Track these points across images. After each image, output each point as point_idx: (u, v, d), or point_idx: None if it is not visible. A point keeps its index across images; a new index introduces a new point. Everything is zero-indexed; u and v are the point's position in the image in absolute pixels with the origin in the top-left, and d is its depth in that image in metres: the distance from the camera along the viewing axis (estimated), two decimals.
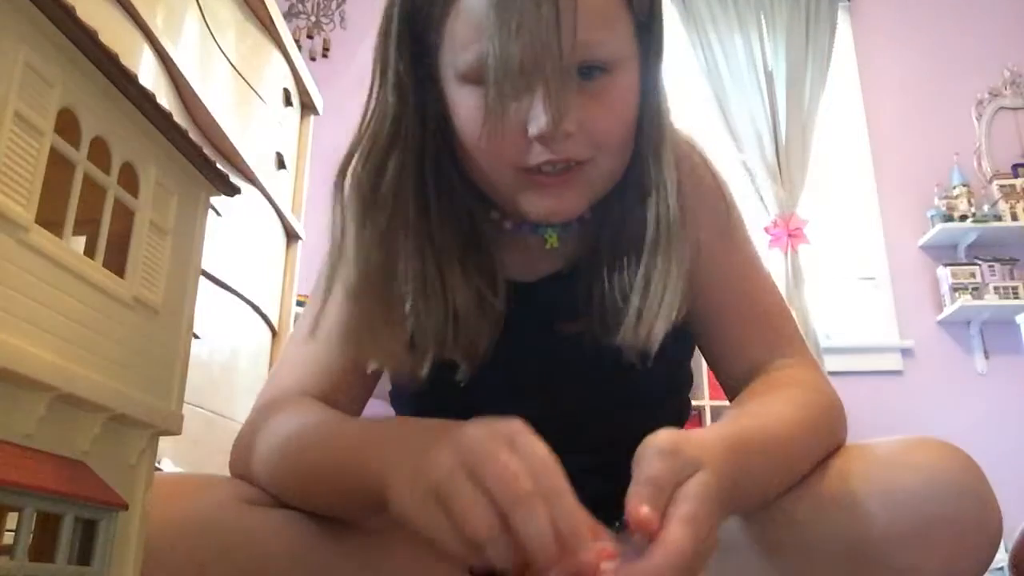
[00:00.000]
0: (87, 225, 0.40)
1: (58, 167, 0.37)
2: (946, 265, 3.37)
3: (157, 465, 0.62)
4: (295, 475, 0.63)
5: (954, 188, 3.45)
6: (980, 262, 3.36)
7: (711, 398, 2.82)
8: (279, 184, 1.81)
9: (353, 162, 0.71)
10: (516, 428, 0.48)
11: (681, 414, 0.87)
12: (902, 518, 0.58)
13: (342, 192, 0.71)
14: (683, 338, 0.78)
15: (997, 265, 3.36)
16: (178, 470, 1.17)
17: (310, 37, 3.33)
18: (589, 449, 0.77)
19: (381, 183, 0.68)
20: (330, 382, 0.73)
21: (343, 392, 0.73)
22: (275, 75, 1.81)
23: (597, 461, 0.77)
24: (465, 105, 0.65)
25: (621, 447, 0.78)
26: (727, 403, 0.76)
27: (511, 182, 0.67)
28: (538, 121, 0.62)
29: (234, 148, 1.50)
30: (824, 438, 0.65)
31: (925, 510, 0.57)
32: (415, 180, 0.69)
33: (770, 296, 0.77)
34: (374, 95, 0.70)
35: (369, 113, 0.70)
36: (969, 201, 3.41)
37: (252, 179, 1.63)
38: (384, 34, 0.69)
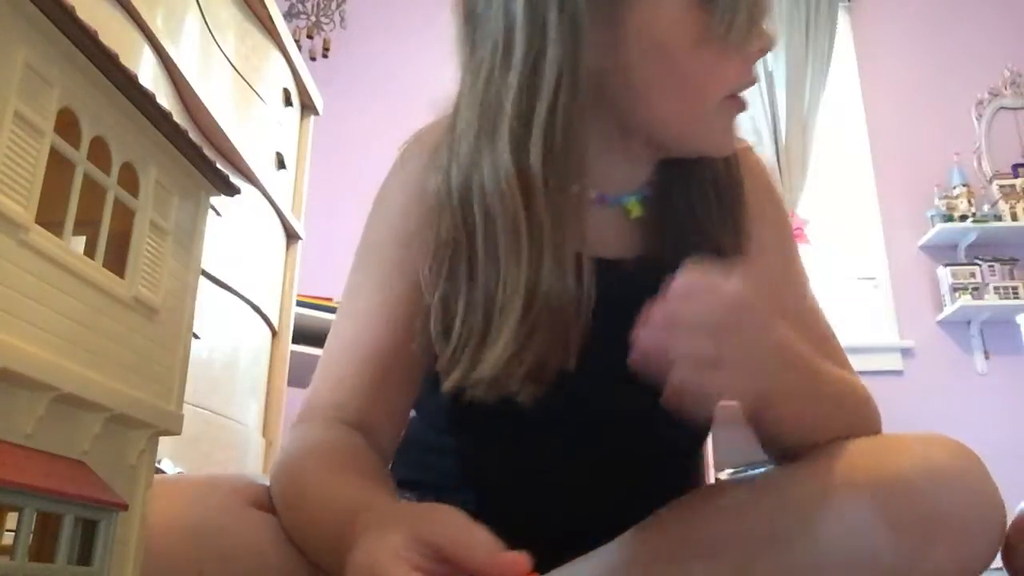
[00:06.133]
0: (87, 225, 0.40)
1: (58, 167, 0.37)
2: (946, 265, 3.37)
3: (157, 465, 0.62)
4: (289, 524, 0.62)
5: (954, 188, 3.45)
6: (980, 262, 3.36)
7: None
8: (279, 184, 1.81)
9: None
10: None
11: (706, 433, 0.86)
12: (904, 513, 0.58)
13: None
14: None
15: (997, 265, 3.36)
16: (178, 470, 1.17)
17: (310, 37, 3.33)
18: (626, 459, 0.74)
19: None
20: (369, 396, 0.70)
21: (382, 408, 0.70)
22: (275, 75, 1.81)
23: (631, 475, 0.75)
24: (687, 26, 0.63)
25: (651, 459, 0.76)
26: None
27: (713, 113, 0.68)
28: (769, 37, 0.65)
29: (234, 148, 1.50)
30: (855, 414, 0.68)
31: (927, 505, 0.58)
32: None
33: (822, 317, 0.78)
34: (517, 49, 0.63)
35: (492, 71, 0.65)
36: (969, 201, 3.41)
37: (252, 179, 1.63)
38: None
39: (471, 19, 0.69)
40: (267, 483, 0.67)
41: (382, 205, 0.77)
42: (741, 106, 0.69)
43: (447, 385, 0.64)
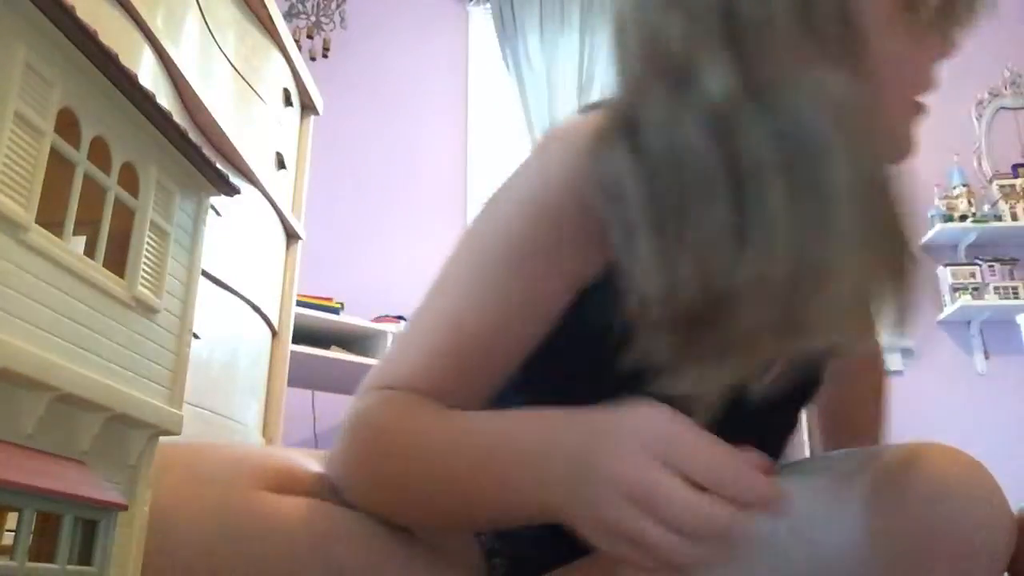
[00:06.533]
0: (87, 225, 0.40)
1: (58, 167, 0.37)
2: (946, 265, 3.37)
3: None
4: (404, 487, 0.62)
5: (954, 188, 3.45)
6: (980, 262, 3.36)
7: None
8: (279, 184, 1.81)
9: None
10: (665, 430, 0.51)
11: None
12: (902, 526, 0.57)
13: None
14: None
15: (997, 265, 3.36)
16: None
17: (310, 37, 3.33)
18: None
19: None
20: (447, 392, 0.65)
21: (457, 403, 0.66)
22: (275, 75, 1.81)
23: None
24: (896, 30, 0.62)
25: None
26: None
27: (903, 118, 0.66)
28: (950, 43, 0.65)
29: (234, 148, 1.50)
30: None
31: (927, 520, 0.56)
32: None
33: None
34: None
35: None
36: (969, 201, 3.41)
37: (252, 179, 1.63)
38: None
39: None
40: (297, 461, 0.66)
41: (511, 196, 0.69)
42: (921, 110, 0.66)
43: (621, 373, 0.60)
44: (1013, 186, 3.45)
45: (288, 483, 0.63)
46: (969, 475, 0.58)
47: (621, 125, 0.62)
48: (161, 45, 1.23)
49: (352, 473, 0.64)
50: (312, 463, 0.67)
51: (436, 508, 0.62)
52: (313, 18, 3.38)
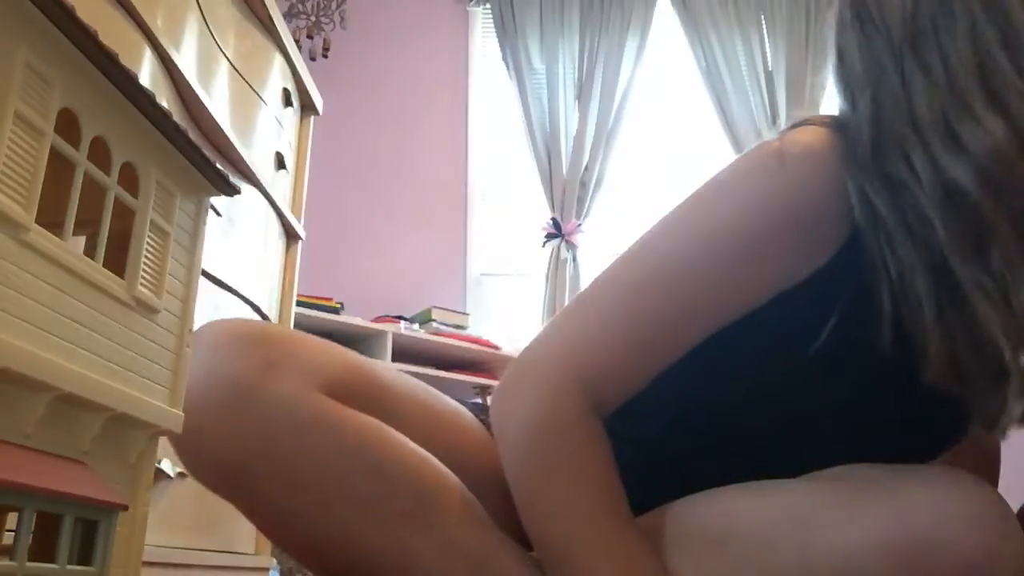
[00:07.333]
0: (87, 225, 0.40)
1: (58, 167, 0.37)
2: None
3: (157, 465, 0.63)
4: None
5: None
6: None
7: None
8: (279, 184, 1.81)
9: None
10: None
11: None
12: (904, 541, 0.57)
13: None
14: None
15: None
16: (179, 470, 1.16)
17: (310, 37, 3.33)
18: None
19: None
20: (626, 388, 0.68)
21: (625, 395, 0.68)
22: (275, 75, 1.81)
23: None
24: None
25: None
26: None
27: None
28: None
29: (234, 148, 1.50)
30: None
31: (929, 538, 0.56)
32: None
33: None
34: None
35: None
36: None
37: (252, 179, 1.63)
38: None
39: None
40: (377, 378, 0.71)
41: (738, 194, 0.68)
42: None
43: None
44: None
45: (357, 394, 0.67)
46: (978, 500, 0.57)
47: (866, 159, 0.63)
48: (161, 45, 1.23)
49: (519, 472, 0.67)
50: (395, 381, 0.73)
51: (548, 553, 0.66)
52: (313, 18, 3.38)
